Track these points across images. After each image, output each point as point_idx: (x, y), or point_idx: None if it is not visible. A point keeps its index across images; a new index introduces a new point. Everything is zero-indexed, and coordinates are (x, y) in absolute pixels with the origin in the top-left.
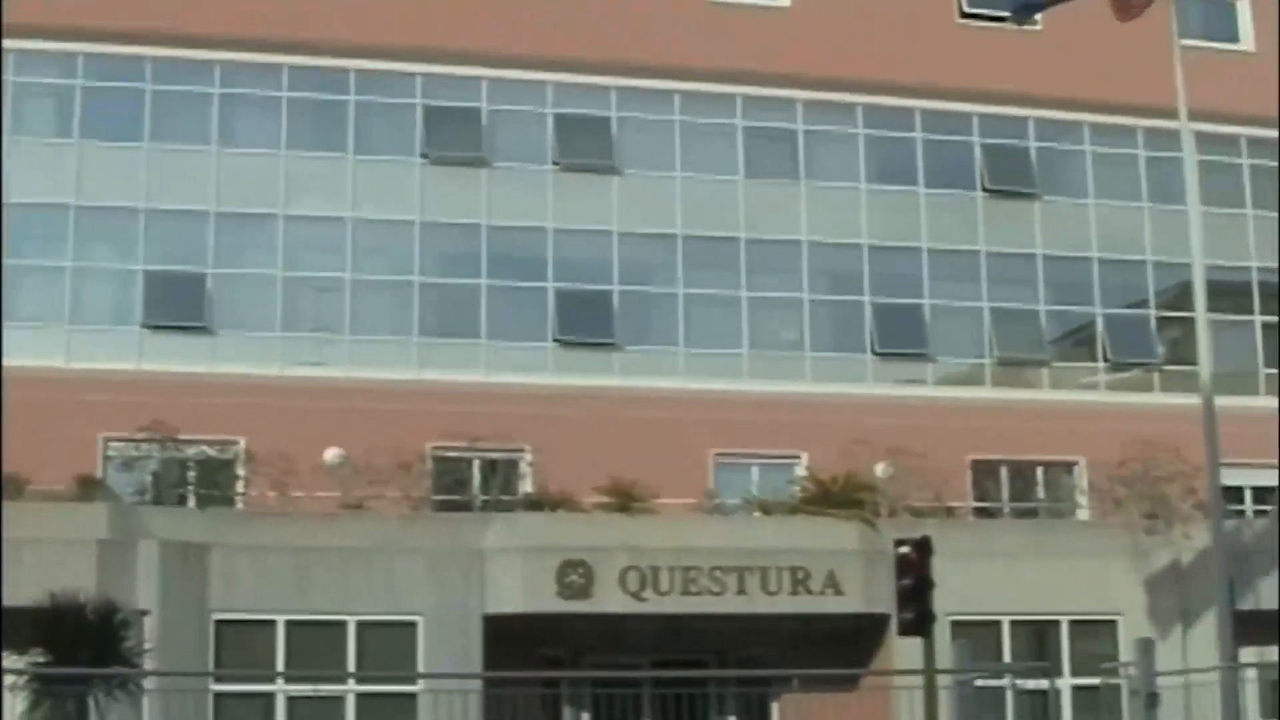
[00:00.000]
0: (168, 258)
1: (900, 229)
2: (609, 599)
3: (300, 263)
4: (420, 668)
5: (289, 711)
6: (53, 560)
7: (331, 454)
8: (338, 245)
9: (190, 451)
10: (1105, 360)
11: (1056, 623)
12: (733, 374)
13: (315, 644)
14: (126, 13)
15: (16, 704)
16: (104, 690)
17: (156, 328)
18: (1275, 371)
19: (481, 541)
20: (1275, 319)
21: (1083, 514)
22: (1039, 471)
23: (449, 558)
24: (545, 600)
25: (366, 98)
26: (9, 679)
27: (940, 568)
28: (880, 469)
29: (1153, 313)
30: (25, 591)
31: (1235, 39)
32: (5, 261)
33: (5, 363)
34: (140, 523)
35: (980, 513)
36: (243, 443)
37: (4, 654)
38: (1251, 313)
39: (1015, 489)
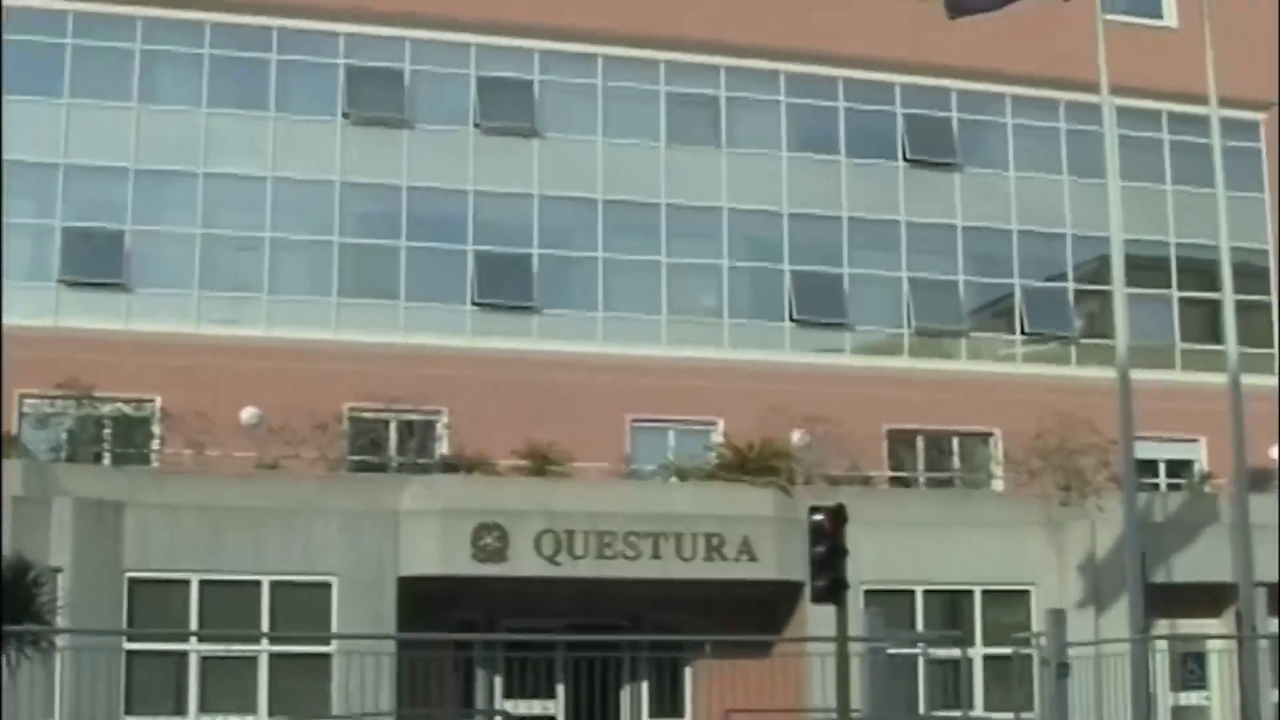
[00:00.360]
0: (86, 214)
1: (821, 197)
2: (524, 562)
3: (219, 221)
4: (334, 628)
5: (202, 671)
6: None
7: (248, 413)
8: (257, 204)
9: (106, 409)
10: (1023, 332)
11: (970, 592)
12: (651, 339)
13: (229, 603)
14: None
15: None
16: (15, 648)
17: (74, 284)
18: (1193, 346)
19: (397, 503)
20: (1193, 294)
21: (997, 485)
22: (955, 442)
23: (364, 519)
24: (460, 563)
25: (288, 56)
26: None
27: (855, 536)
28: (796, 436)
29: (1071, 286)
30: None
31: (1158, 15)
32: None
33: None
34: (55, 480)
35: (895, 482)
36: (159, 401)
37: None
38: (1169, 287)
39: (931, 459)
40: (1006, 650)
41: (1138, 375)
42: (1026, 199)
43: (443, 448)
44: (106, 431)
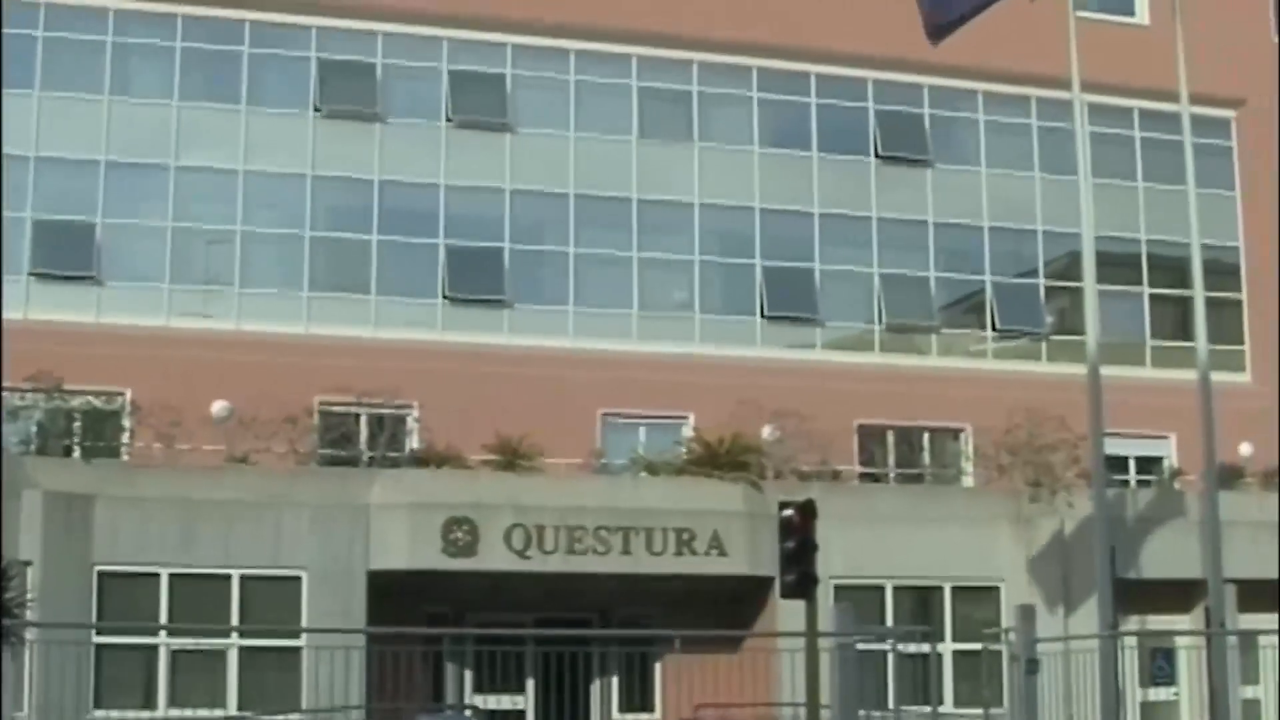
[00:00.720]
0: (57, 207)
1: (793, 193)
2: (494, 557)
3: (190, 214)
4: (304, 622)
5: (171, 665)
6: None
7: (218, 407)
8: (229, 197)
9: (76, 402)
10: (994, 328)
11: (939, 588)
12: (622, 334)
13: (199, 597)
14: None
15: None
16: None
17: (44, 276)
18: (1163, 343)
19: (367, 497)
20: (1164, 291)
21: (968, 480)
22: (925, 437)
23: (334, 513)
24: (430, 557)
25: (260, 50)
26: None
27: (824, 531)
28: (767, 431)
29: (1041, 282)
30: None
31: (1130, 12)
32: None
33: None
34: (24, 473)
35: (866, 477)
36: (129, 394)
37: None
38: (1140, 284)
39: (901, 454)
40: (976, 646)
41: (1108, 371)
42: (998, 195)
43: (413, 441)
44: (76, 425)
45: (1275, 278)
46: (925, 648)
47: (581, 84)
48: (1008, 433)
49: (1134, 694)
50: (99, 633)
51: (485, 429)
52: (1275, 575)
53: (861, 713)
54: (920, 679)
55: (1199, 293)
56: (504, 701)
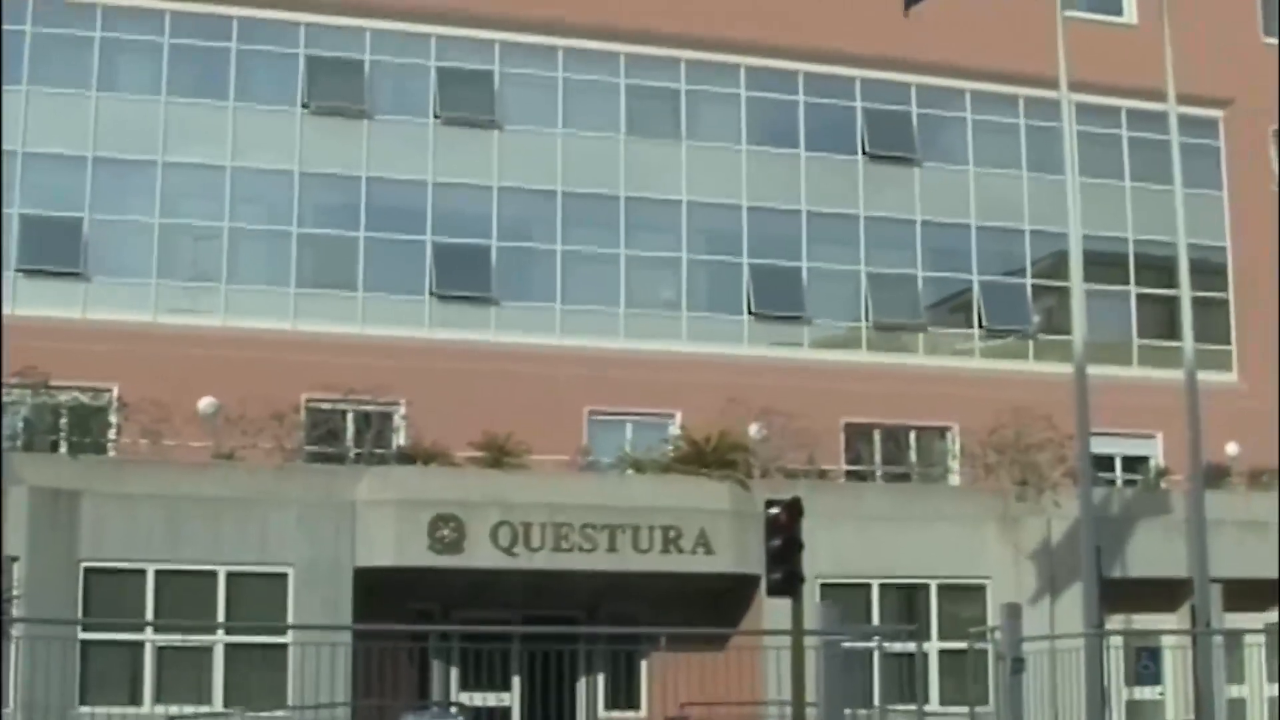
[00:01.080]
0: (44, 202)
1: (780, 191)
2: (480, 553)
3: (178, 210)
4: (290, 619)
5: (157, 661)
6: None
7: (205, 403)
8: (216, 193)
9: (63, 398)
10: (980, 327)
11: (925, 586)
12: (609, 331)
13: (185, 594)
14: None
15: None
16: None
17: (31, 272)
18: (1150, 342)
19: (354, 494)
20: (1151, 290)
21: (954, 479)
22: (912, 436)
23: (321, 509)
24: (416, 554)
25: (249, 46)
26: None
27: (811, 529)
28: (754, 429)
29: (1029, 281)
30: None
31: (1119, 12)
32: None
33: None
34: (10, 468)
35: (852, 475)
36: (116, 390)
37: None
38: (1127, 283)
39: (888, 453)
40: (962, 644)
41: (1095, 371)
42: (985, 194)
43: (400, 439)
44: (63, 420)
45: (1272, 280)
46: (911, 646)
47: (569, 81)
48: (994, 432)
49: (1119, 693)
50: (85, 628)
51: (472, 426)
52: (1260, 575)
53: (847, 711)
54: (906, 677)
55: (1186, 292)
56: (490, 699)
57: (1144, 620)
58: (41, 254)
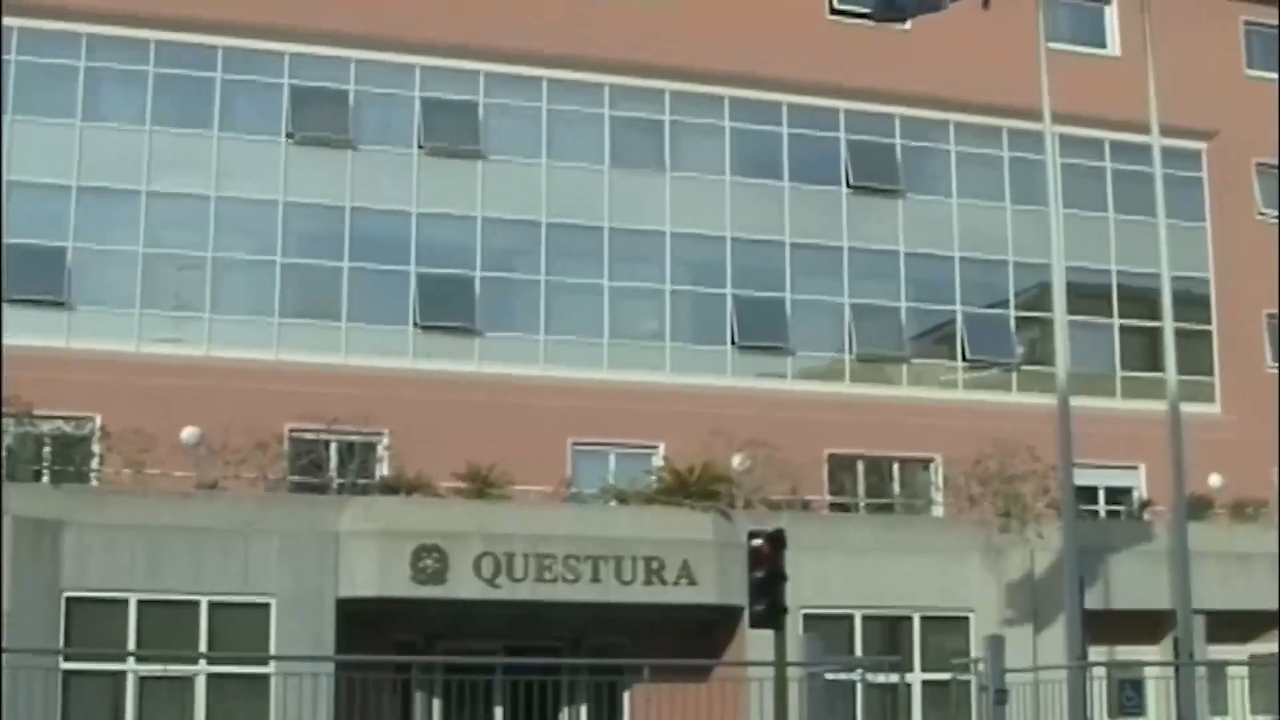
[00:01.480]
0: (28, 231)
1: (764, 222)
2: (463, 584)
3: (161, 240)
4: (272, 649)
5: (139, 691)
6: None
7: (188, 433)
8: (200, 223)
9: (45, 427)
10: (964, 358)
11: (909, 618)
12: (593, 362)
13: (167, 624)
14: None
15: None
16: None
17: (14, 301)
18: (1133, 374)
19: (337, 524)
20: (1134, 322)
21: (937, 510)
22: (895, 467)
23: (304, 539)
24: (399, 584)
25: (233, 76)
26: None
27: (794, 561)
28: (737, 461)
29: (1012, 313)
30: None
31: (1102, 44)
32: None
33: None
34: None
35: (836, 507)
36: (99, 419)
37: None
38: (1110, 315)
39: (871, 484)
40: (945, 675)
41: (1078, 402)
42: (969, 226)
43: (383, 469)
44: (46, 450)
45: (1255, 312)
46: (894, 677)
47: (553, 112)
48: (978, 463)
49: None
50: (67, 659)
51: (455, 457)
52: (1243, 606)
53: None
54: (889, 709)
55: (1169, 324)
56: None
57: (1127, 652)
58: (25, 283)
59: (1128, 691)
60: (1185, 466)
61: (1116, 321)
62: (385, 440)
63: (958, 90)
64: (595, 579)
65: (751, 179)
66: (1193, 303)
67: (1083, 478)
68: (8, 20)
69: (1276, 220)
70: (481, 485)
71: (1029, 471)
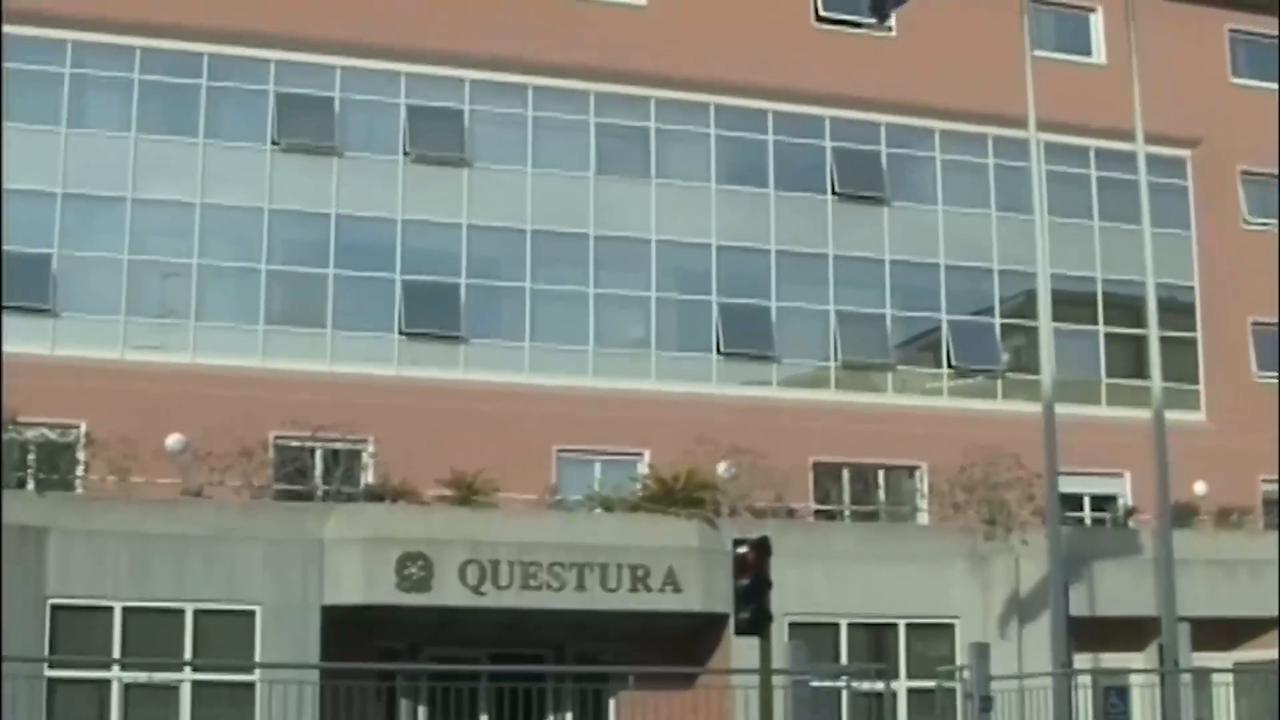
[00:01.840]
0: (13, 238)
1: (749, 230)
2: (448, 592)
3: (147, 247)
4: (258, 657)
5: (124, 699)
6: None
7: (173, 440)
8: (185, 230)
9: (30, 434)
10: (949, 366)
11: (894, 625)
12: (578, 370)
13: (152, 631)
14: None
15: None
16: None
17: None
18: (1119, 382)
19: (322, 531)
20: (1119, 329)
21: (923, 518)
22: (880, 474)
23: (289, 547)
24: (384, 592)
25: (219, 82)
26: None
27: (779, 568)
28: (722, 468)
29: (997, 320)
30: None
31: (1087, 52)
32: None
33: None
34: None
35: (821, 514)
36: (83, 426)
37: None
38: (1095, 322)
39: (856, 491)
40: (930, 683)
41: (1063, 410)
42: (954, 233)
43: (368, 476)
44: (30, 456)
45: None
46: (880, 685)
47: (539, 119)
48: (963, 470)
49: None
50: (52, 666)
51: (441, 464)
52: (1228, 614)
53: None
54: (875, 716)
55: (1154, 331)
56: None
57: (1112, 659)
58: (10, 290)
59: (1113, 699)
60: (1170, 474)
61: (1101, 329)
62: (370, 447)
63: (943, 98)
64: (580, 586)
65: (737, 186)
66: (1178, 310)
67: (1068, 485)
68: None
69: (1263, 227)
70: (467, 493)
71: (1014, 479)
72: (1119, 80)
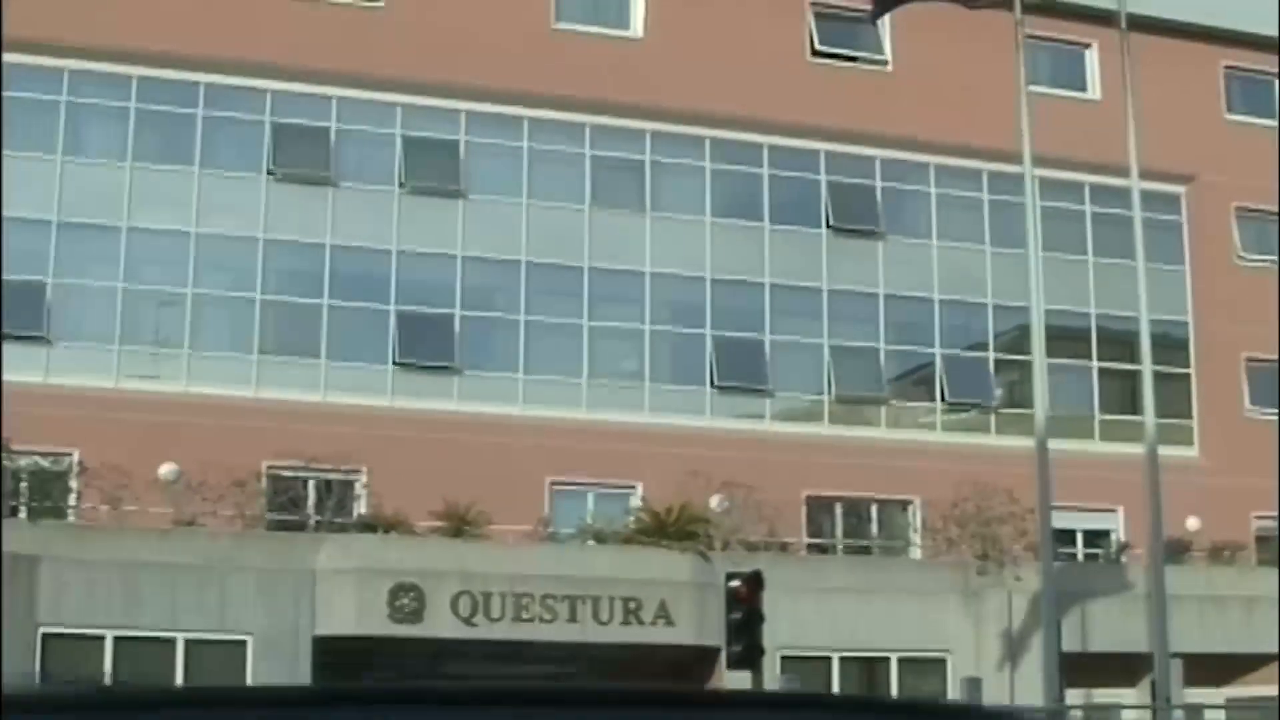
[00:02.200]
0: (7, 266)
1: (744, 263)
2: (440, 623)
3: (142, 276)
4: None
5: None
6: None
7: (166, 469)
8: (180, 259)
9: (23, 462)
10: (943, 400)
11: (886, 659)
12: (572, 402)
13: (143, 660)
14: None
15: None
16: None
17: None
18: (1112, 417)
19: (314, 562)
20: (1112, 365)
21: (915, 553)
22: (873, 509)
23: (281, 577)
24: (376, 623)
25: (215, 112)
26: None
27: (772, 602)
28: (715, 502)
29: (991, 355)
30: None
31: (1082, 87)
32: None
33: None
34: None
35: (814, 548)
36: (76, 455)
37: None
38: (1089, 358)
39: (849, 526)
40: None
41: (1056, 445)
42: (948, 268)
43: (361, 507)
44: (23, 485)
45: (1226, 353)
46: None
47: (534, 152)
48: (956, 505)
49: None
50: None
51: (433, 495)
52: (1221, 650)
53: None
54: None
55: (1147, 367)
56: None
57: (1104, 694)
58: (4, 318)
59: None
60: (1163, 510)
61: (1095, 364)
62: (363, 478)
63: (938, 133)
64: (573, 619)
65: (732, 220)
66: (1171, 346)
67: (1061, 520)
68: None
69: (1257, 264)
70: (459, 524)
71: (1007, 514)
72: (1114, 116)
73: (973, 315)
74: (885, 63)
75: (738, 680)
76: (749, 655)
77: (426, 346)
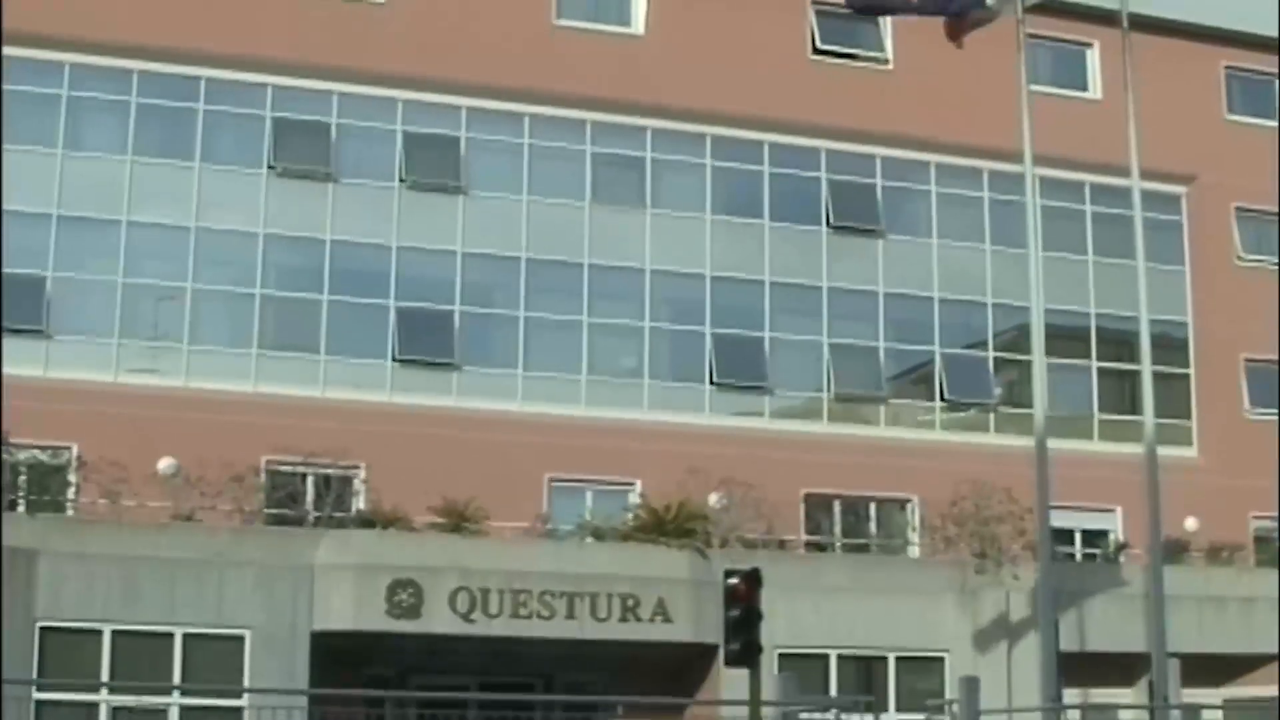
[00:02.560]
0: (7, 260)
1: (744, 261)
2: (438, 619)
3: (141, 270)
4: (246, 682)
5: None
6: None
7: (164, 464)
8: (180, 254)
9: (21, 456)
10: (942, 399)
11: (884, 658)
12: (571, 399)
13: (141, 655)
14: None
15: None
16: None
17: None
18: (1111, 417)
19: (312, 557)
20: (1112, 365)
21: (913, 551)
22: (872, 507)
23: (279, 572)
24: (374, 618)
25: (215, 107)
26: None
27: (770, 600)
28: (714, 499)
29: (991, 354)
30: None
31: (1084, 87)
32: None
33: None
34: None
35: (812, 546)
36: (75, 449)
37: None
38: (1088, 357)
39: (847, 524)
40: (919, 716)
41: (1055, 444)
42: (948, 267)
43: (359, 502)
44: (21, 479)
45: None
46: (869, 718)
47: (535, 148)
48: (954, 504)
49: None
50: (40, 689)
51: (432, 491)
52: (1219, 650)
53: None
54: None
55: (1147, 367)
56: None
57: (1102, 694)
58: (3, 312)
59: None
60: (1161, 510)
61: (1095, 364)
62: (362, 474)
63: (939, 131)
64: (570, 615)
65: (732, 217)
66: (1171, 346)
67: (1059, 520)
68: None
69: (1257, 264)
70: (458, 520)
71: (1005, 513)
72: (1115, 116)
73: (972, 314)
74: (886, 61)
75: (735, 678)
76: (747, 653)
77: (426, 342)
